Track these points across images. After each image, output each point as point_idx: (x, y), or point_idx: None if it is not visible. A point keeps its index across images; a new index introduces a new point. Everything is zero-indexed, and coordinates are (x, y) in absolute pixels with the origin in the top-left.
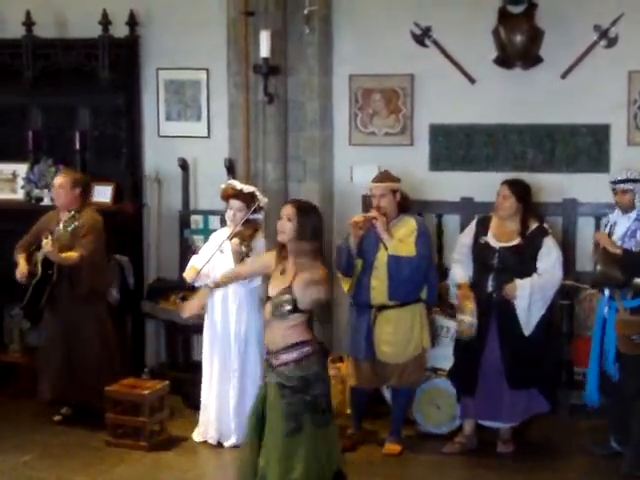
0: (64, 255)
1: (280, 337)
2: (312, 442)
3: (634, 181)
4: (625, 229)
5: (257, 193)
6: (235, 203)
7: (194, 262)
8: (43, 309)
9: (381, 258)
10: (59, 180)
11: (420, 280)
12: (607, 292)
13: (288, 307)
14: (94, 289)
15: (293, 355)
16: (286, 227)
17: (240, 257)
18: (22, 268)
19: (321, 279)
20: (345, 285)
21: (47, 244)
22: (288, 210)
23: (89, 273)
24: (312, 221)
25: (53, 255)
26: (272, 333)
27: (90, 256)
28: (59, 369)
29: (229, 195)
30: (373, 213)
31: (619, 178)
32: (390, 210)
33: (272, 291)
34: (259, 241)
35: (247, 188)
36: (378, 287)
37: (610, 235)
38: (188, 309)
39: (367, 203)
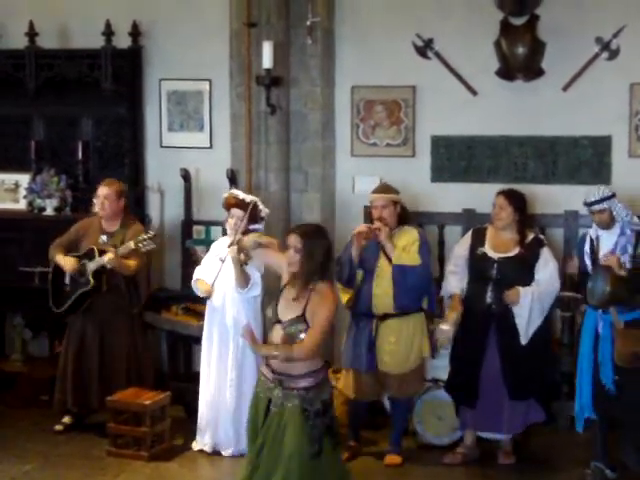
0: (125, 262)
1: (299, 364)
2: (329, 464)
3: (608, 198)
4: (612, 245)
5: (259, 203)
6: (237, 212)
7: (198, 275)
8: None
9: (383, 267)
10: (104, 191)
11: (423, 289)
12: None
13: (302, 335)
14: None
15: (312, 380)
16: (295, 259)
17: (239, 265)
18: (72, 262)
19: (331, 303)
20: (345, 297)
21: (111, 260)
22: (292, 240)
23: (143, 284)
24: (320, 245)
25: (114, 262)
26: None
27: (144, 266)
28: (90, 380)
29: (231, 204)
30: (377, 224)
31: (592, 199)
32: (391, 221)
33: (283, 315)
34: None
35: (249, 198)
36: (381, 296)
37: (595, 251)
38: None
39: (368, 214)
